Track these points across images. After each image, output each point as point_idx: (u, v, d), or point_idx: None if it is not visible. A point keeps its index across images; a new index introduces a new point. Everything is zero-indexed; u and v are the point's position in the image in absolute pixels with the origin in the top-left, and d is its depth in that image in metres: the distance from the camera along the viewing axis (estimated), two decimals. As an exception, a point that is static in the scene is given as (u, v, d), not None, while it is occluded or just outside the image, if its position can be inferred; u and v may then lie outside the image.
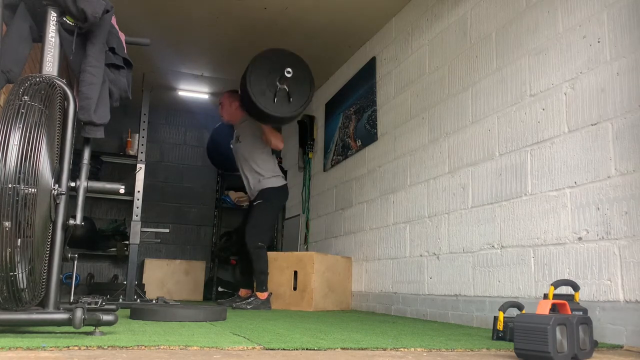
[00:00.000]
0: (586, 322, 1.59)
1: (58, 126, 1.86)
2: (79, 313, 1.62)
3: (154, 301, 3.93)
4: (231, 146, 4.59)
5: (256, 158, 4.31)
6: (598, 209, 2.16)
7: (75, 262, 2.38)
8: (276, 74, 3.89)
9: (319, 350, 1.63)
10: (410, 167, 3.65)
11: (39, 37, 2.02)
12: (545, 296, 1.93)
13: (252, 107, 3.93)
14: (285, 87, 3.89)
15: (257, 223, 4.17)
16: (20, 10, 2.02)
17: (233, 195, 6.43)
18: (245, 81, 3.87)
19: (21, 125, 1.60)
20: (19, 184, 1.56)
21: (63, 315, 1.67)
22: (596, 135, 2.21)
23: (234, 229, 5.97)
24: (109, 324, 1.72)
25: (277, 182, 4.33)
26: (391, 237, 3.83)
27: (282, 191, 4.39)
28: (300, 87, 3.97)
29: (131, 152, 5.96)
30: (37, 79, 1.81)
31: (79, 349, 1.43)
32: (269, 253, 4.40)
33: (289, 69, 3.81)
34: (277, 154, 4.97)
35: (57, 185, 1.83)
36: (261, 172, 4.28)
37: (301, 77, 3.97)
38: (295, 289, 4.18)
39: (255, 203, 4.26)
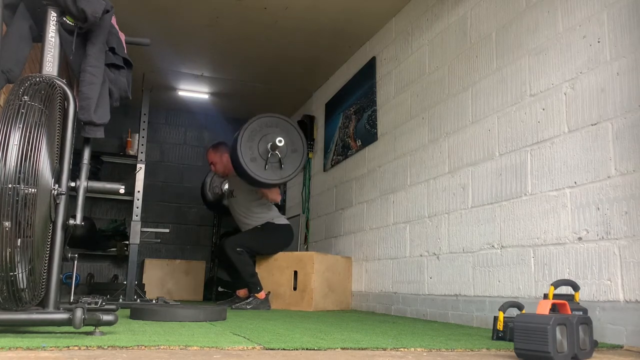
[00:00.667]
0: (586, 322, 1.59)
1: (58, 126, 1.86)
2: (79, 313, 1.62)
3: (154, 301, 3.93)
4: (224, 203, 4.57)
5: (254, 210, 4.31)
6: (598, 209, 2.16)
7: (75, 262, 2.38)
8: (267, 140, 3.88)
9: (319, 350, 1.63)
10: (410, 167, 3.65)
11: (39, 37, 2.02)
12: (545, 296, 1.93)
13: (243, 173, 3.90)
14: (278, 153, 3.88)
15: (243, 238, 4.19)
16: (20, 10, 2.02)
17: (233, 195, 6.42)
18: (237, 147, 3.84)
19: (21, 125, 1.60)
20: (19, 184, 1.56)
21: (63, 315, 1.67)
22: (596, 135, 2.21)
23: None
24: (109, 324, 1.72)
25: (281, 220, 4.36)
26: (391, 237, 3.82)
27: (285, 231, 4.36)
28: (293, 154, 3.97)
29: (131, 152, 5.96)
30: (37, 79, 1.81)
31: (79, 349, 1.43)
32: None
33: (280, 138, 3.79)
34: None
35: (57, 185, 1.83)
36: (263, 217, 4.28)
37: (294, 143, 3.97)
38: (295, 289, 4.18)
39: (254, 226, 4.27)
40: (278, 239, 4.34)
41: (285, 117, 4.07)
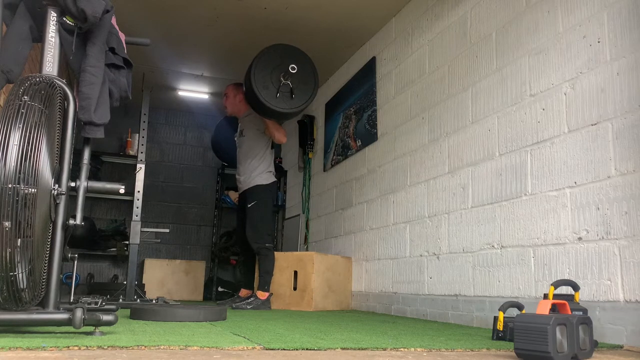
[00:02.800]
0: (586, 322, 1.59)
1: (58, 126, 1.86)
2: (79, 313, 1.62)
3: (154, 301, 3.93)
4: (235, 139, 4.62)
5: (256, 152, 4.33)
6: (598, 209, 2.16)
7: (75, 262, 2.38)
8: (281, 70, 3.92)
9: (319, 350, 1.63)
10: (410, 167, 3.65)
11: (39, 37, 2.02)
12: (545, 296, 1.93)
13: (254, 99, 3.96)
14: (289, 83, 3.91)
15: (258, 224, 4.18)
16: (20, 10, 2.02)
17: (233, 195, 6.43)
18: (250, 74, 3.90)
19: (21, 125, 1.60)
20: (19, 184, 1.56)
21: (63, 315, 1.67)
22: (596, 135, 2.21)
23: (234, 229, 5.97)
24: (109, 324, 1.72)
25: (267, 178, 4.34)
26: (391, 237, 3.82)
27: (272, 188, 4.41)
28: (304, 85, 4.00)
29: (131, 152, 5.96)
30: (37, 79, 1.81)
31: (79, 349, 1.43)
32: (269, 253, 4.40)
33: (293, 65, 3.83)
34: (276, 153, 4.97)
35: (57, 185, 1.83)
36: (256, 167, 4.30)
37: (306, 74, 4.00)
38: (295, 289, 4.18)
39: (249, 205, 4.27)
40: (268, 202, 4.36)
41: (298, 47, 4.09)
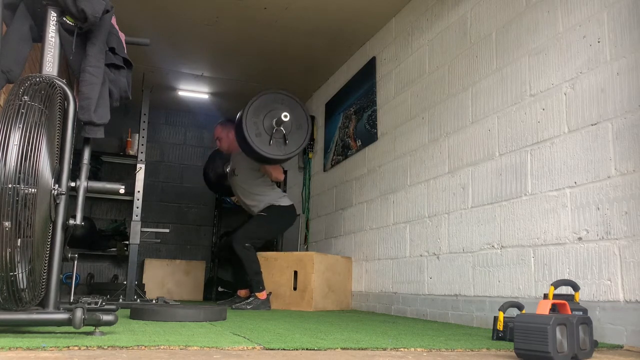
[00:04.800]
0: (586, 322, 1.59)
1: (58, 126, 1.86)
2: (79, 313, 1.62)
3: (154, 301, 3.93)
4: (226, 184, 4.58)
5: (256, 189, 4.30)
6: (598, 209, 2.16)
7: (75, 262, 2.38)
8: (273, 116, 3.87)
9: (319, 350, 1.63)
10: (410, 167, 3.65)
11: (39, 37, 2.02)
12: (545, 296, 1.93)
13: (248, 148, 3.89)
14: (282, 129, 3.86)
15: (249, 230, 4.18)
16: (20, 10, 2.02)
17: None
18: (242, 122, 3.84)
19: (21, 125, 1.60)
20: (19, 184, 1.56)
21: (63, 315, 1.67)
22: (596, 135, 2.21)
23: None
24: (109, 324, 1.72)
25: (284, 201, 4.32)
26: (391, 237, 3.82)
27: (289, 212, 4.34)
28: (297, 131, 3.96)
29: (131, 152, 5.96)
30: (37, 79, 1.81)
31: (79, 349, 1.43)
32: (269, 253, 4.40)
33: (285, 114, 3.79)
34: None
35: (57, 185, 1.83)
36: (265, 198, 4.27)
37: (298, 118, 3.96)
38: (295, 289, 4.18)
39: (258, 213, 4.25)
40: (283, 221, 4.34)
41: (290, 94, 4.05)
